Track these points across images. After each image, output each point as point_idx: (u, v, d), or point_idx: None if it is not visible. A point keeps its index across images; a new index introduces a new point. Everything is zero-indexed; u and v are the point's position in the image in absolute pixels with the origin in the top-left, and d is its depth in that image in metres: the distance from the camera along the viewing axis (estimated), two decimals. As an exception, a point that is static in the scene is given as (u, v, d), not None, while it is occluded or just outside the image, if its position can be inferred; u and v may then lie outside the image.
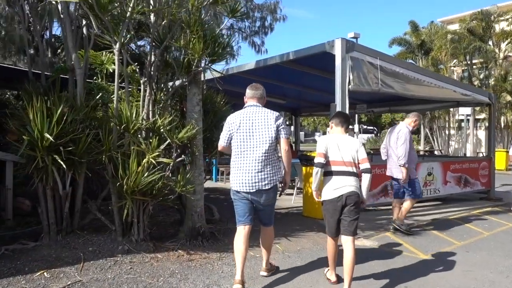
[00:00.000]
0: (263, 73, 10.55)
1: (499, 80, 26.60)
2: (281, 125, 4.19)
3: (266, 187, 4.13)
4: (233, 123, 4.24)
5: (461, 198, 10.66)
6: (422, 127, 34.73)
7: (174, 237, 5.74)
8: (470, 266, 5.23)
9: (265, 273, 4.64)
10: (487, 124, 29.93)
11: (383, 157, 7.46)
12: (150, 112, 5.43)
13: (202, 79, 6.07)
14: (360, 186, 4.25)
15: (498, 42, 27.83)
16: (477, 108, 27.89)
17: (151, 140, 5.08)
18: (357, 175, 4.27)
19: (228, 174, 14.05)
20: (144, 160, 4.88)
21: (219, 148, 4.39)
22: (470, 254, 5.78)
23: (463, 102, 11.76)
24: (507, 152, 19.91)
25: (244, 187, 4.12)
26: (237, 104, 5.92)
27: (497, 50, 27.98)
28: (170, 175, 5.30)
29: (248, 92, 4.38)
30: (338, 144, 4.28)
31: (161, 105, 5.63)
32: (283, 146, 4.20)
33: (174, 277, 4.51)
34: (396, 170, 6.92)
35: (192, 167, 5.68)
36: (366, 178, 4.22)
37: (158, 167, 5.07)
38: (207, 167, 7.02)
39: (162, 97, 5.70)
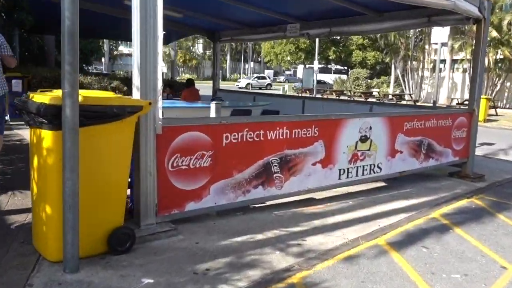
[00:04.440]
0: None
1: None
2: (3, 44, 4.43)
3: None
4: None
5: (418, 174, 6.20)
6: (393, 67, 29.96)
7: None
8: None
9: None
10: (465, 66, 25.35)
11: None
12: None
13: None
14: None
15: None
16: (456, 46, 23.08)
17: None
18: None
19: None
20: None
21: None
22: None
23: (437, 18, 6.92)
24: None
25: None
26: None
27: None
28: None
29: None
30: None
31: None
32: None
33: None
34: None
35: None
36: None
37: None
38: None
39: None
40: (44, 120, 2.68)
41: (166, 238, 3.44)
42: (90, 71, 17.12)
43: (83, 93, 2.79)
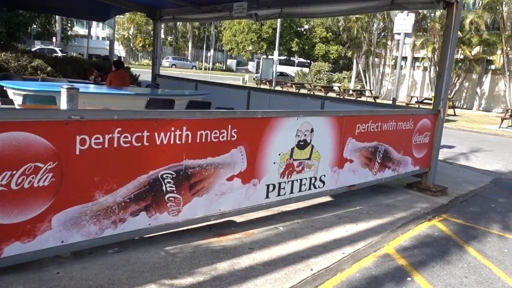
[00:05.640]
0: None
1: None
2: None
3: None
4: None
5: (371, 186, 5.06)
6: (355, 62, 29.18)
7: None
8: None
9: None
10: (425, 64, 24.82)
11: None
12: None
13: None
14: None
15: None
16: (418, 43, 22.42)
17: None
18: None
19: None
20: None
21: None
22: None
23: (402, 0, 5.74)
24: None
25: None
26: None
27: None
28: None
29: None
30: None
31: None
32: None
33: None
34: None
35: None
36: None
37: None
38: None
39: None
40: None
41: None
42: (29, 49, 14.98)
43: None
